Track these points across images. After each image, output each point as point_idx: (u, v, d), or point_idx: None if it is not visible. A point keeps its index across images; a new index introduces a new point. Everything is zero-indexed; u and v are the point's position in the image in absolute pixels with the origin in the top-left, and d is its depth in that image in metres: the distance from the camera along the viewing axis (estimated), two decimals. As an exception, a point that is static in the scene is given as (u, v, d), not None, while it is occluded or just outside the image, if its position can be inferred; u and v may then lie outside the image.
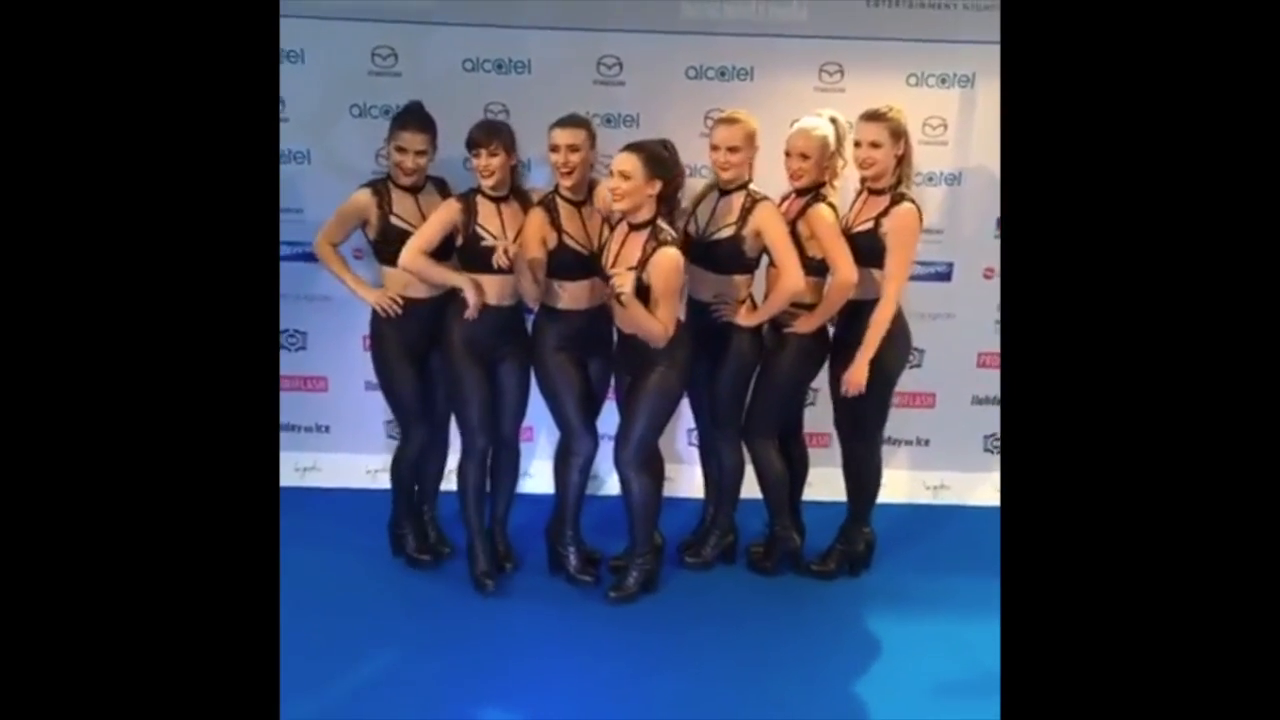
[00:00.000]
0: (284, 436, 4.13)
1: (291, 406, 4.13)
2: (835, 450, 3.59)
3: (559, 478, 3.42)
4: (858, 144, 3.17)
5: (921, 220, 3.21)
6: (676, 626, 3.28)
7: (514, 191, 3.24)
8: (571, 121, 3.14)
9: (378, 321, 3.37)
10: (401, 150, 3.22)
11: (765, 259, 3.30)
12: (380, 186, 3.29)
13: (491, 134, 3.12)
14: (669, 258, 3.02)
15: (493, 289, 3.22)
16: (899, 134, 3.14)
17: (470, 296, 3.13)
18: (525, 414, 3.46)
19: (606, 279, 3.08)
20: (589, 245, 3.20)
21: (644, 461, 3.29)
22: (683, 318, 3.23)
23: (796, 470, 3.61)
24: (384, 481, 3.62)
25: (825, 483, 3.92)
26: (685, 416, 3.90)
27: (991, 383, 4.01)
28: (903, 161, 3.19)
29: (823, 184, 3.26)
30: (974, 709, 2.74)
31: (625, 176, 3.00)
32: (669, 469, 3.70)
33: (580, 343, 3.29)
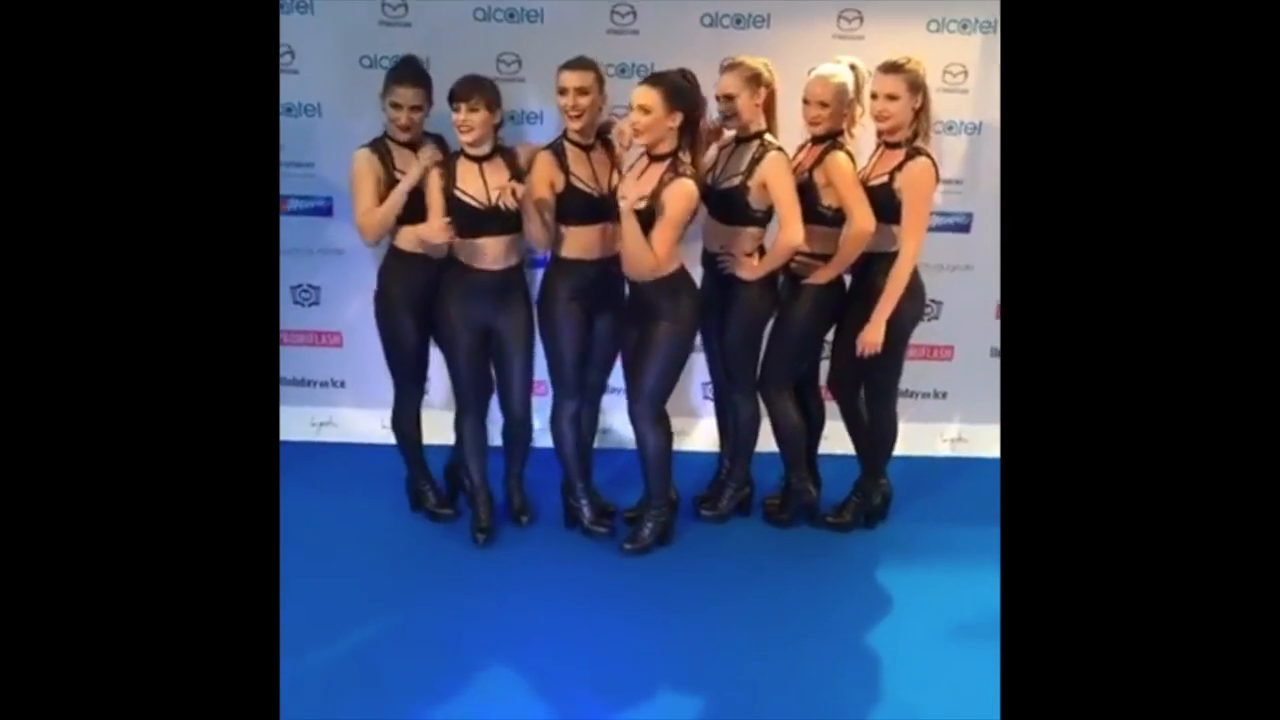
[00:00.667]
0: (299, 391, 4.15)
1: (306, 361, 4.14)
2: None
3: (555, 434, 3.41)
4: (874, 96, 3.11)
5: (938, 175, 3.16)
6: (691, 578, 3.29)
7: (498, 150, 3.18)
8: (579, 64, 3.08)
9: (383, 275, 3.36)
10: (396, 106, 3.17)
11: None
12: (379, 145, 3.23)
13: (472, 88, 3.04)
14: (683, 186, 2.99)
15: (491, 252, 3.19)
16: (917, 86, 3.08)
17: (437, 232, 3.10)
18: (532, 385, 3.45)
19: (616, 215, 3.05)
20: (598, 189, 3.16)
21: (657, 414, 3.28)
22: (688, 267, 3.22)
23: (813, 423, 3.59)
24: (399, 436, 3.62)
25: (841, 436, 3.91)
26: (700, 370, 3.89)
27: (1010, 335, 3.97)
28: (920, 115, 3.13)
29: (840, 132, 3.20)
30: (989, 659, 2.73)
31: (645, 110, 2.96)
32: (684, 423, 3.70)
33: (589, 296, 3.25)
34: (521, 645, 2.92)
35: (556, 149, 3.16)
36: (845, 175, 3.12)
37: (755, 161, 3.13)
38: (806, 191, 3.18)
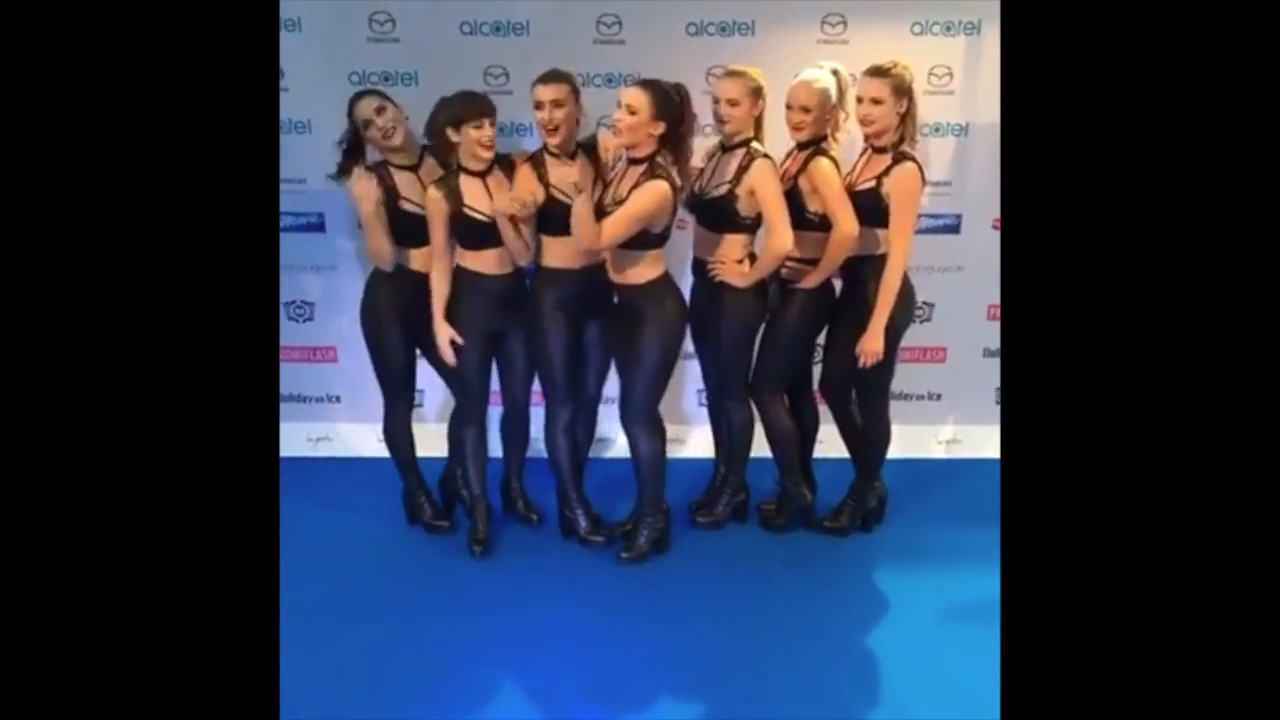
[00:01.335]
0: (295, 407, 4.17)
1: (301, 377, 4.15)
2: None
3: (549, 444, 3.43)
4: (860, 100, 3.13)
5: (924, 180, 3.16)
6: (689, 585, 3.30)
7: (498, 161, 3.21)
8: (553, 77, 3.09)
9: (371, 286, 3.38)
10: (367, 123, 3.19)
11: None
12: (377, 168, 3.24)
13: (482, 108, 3.08)
14: (654, 185, 3.01)
15: (492, 261, 3.22)
16: (902, 91, 3.09)
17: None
18: (533, 379, 3.46)
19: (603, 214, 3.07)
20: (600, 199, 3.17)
21: (648, 419, 3.29)
22: (678, 275, 3.25)
23: (806, 427, 3.60)
24: (395, 450, 3.63)
25: (835, 440, 3.92)
26: (695, 377, 3.90)
27: (1002, 335, 3.98)
28: (906, 119, 3.14)
29: (824, 137, 3.22)
30: (989, 661, 2.73)
31: (631, 111, 2.98)
32: (679, 430, 3.71)
33: (576, 303, 3.27)
34: (520, 656, 2.93)
35: (536, 160, 3.19)
36: (829, 181, 3.13)
37: (742, 169, 3.14)
38: (792, 198, 3.19)
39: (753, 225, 3.24)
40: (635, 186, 3.03)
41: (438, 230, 3.15)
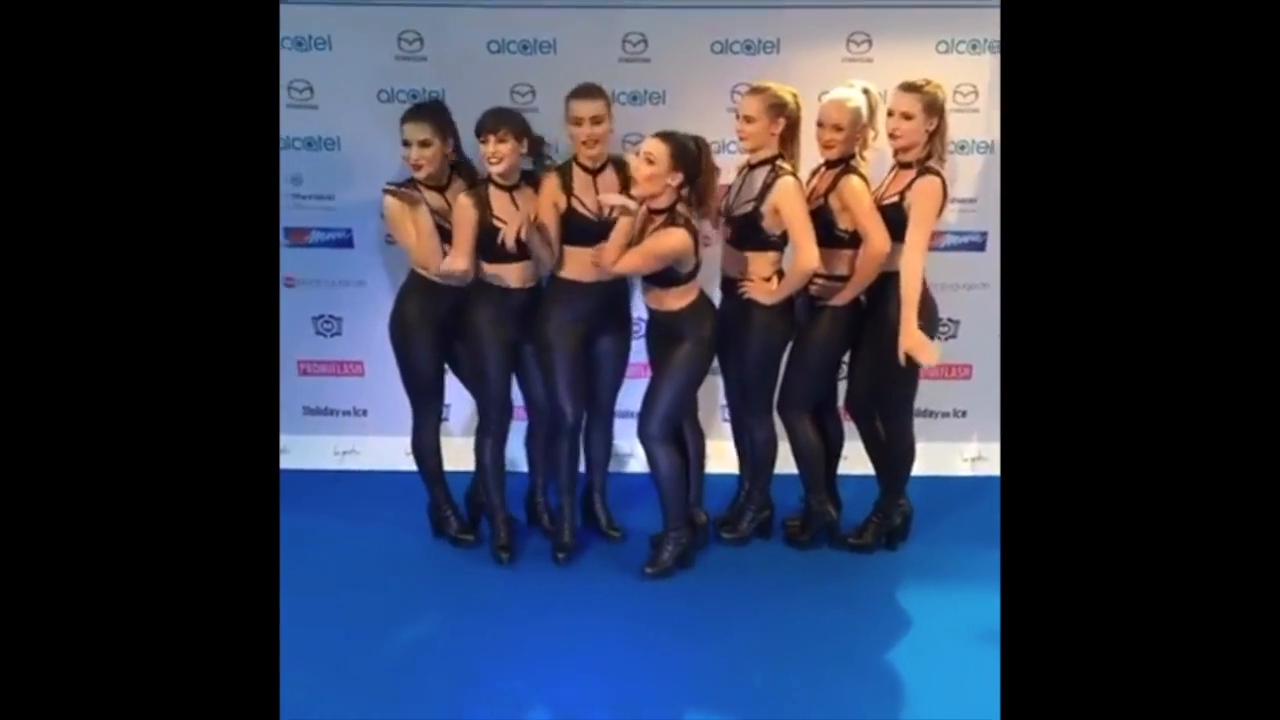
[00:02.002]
0: (322, 420, 4.21)
1: (329, 391, 4.19)
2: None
3: (550, 455, 3.49)
4: (890, 113, 3.14)
5: (946, 193, 3.16)
6: (713, 600, 3.30)
7: (526, 178, 3.24)
8: (589, 92, 3.14)
9: (401, 298, 3.41)
10: (406, 144, 3.21)
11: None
12: (408, 187, 3.25)
13: (499, 121, 3.11)
14: (673, 232, 3.06)
15: (515, 275, 3.26)
16: (934, 108, 3.10)
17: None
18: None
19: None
20: (599, 214, 3.20)
21: (669, 435, 3.31)
22: (707, 291, 3.29)
23: (832, 444, 3.60)
24: (423, 464, 3.66)
25: (860, 457, 3.91)
26: (720, 393, 3.90)
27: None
28: (935, 137, 3.14)
29: (853, 155, 3.23)
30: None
31: (650, 161, 3.03)
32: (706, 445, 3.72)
33: (587, 317, 3.31)
34: (543, 667, 2.94)
35: (564, 170, 3.22)
36: (860, 198, 3.14)
37: (767, 187, 3.15)
38: (822, 215, 3.21)
39: (780, 243, 3.25)
40: (654, 232, 3.09)
41: (464, 237, 3.17)
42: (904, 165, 3.19)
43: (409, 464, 3.67)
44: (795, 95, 3.19)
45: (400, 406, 3.58)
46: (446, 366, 3.54)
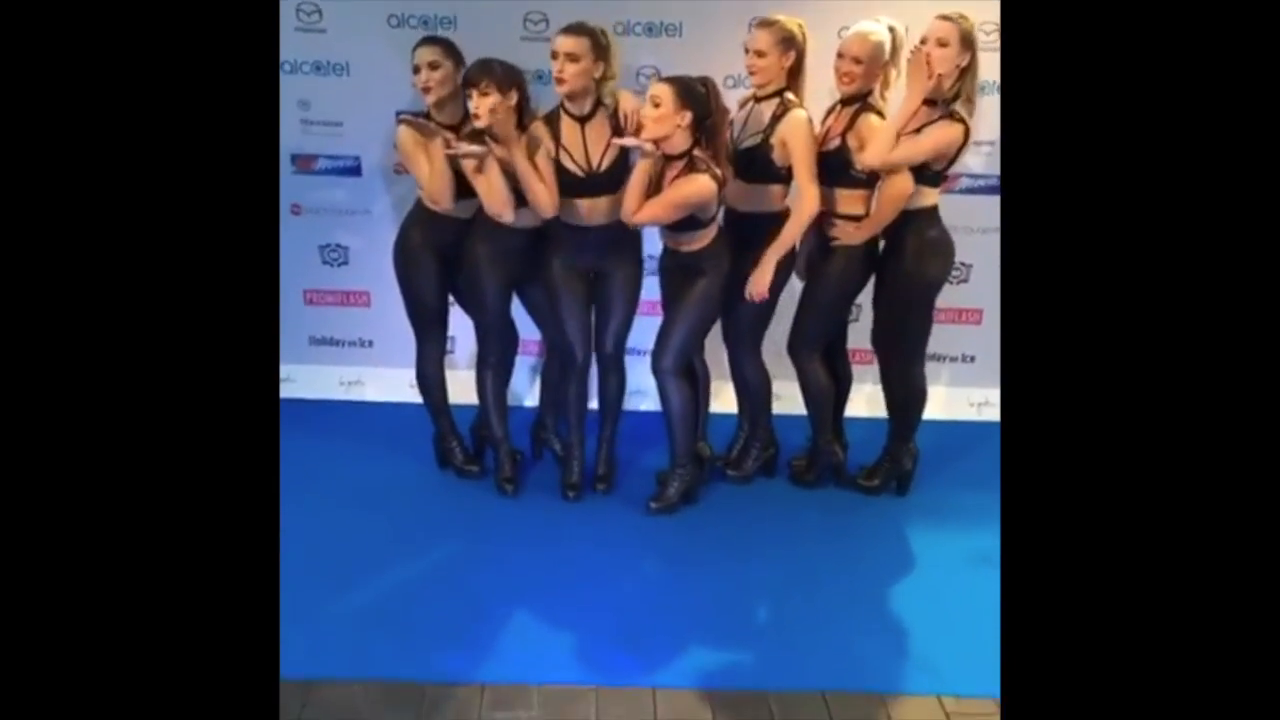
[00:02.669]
0: (328, 351, 4.20)
1: (335, 321, 4.17)
2: (877, 367, 3.56)
3: (560, 393, 3.48)
4: (924, 41, 3.04)
5: (966, 143, 3.11)
6: (717, 536, 3.31)
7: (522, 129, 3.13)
8: (573, 29, 3.04)
9: (407, 225, 3.38)
10: (416, 70, 3.15)
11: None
12: (421, 119, 3.17)
13: (482, 72, 3.01)
14: (697, 178, 2.99)
15: (523, 215, 3.21)
16: (968, 42, 3.02)
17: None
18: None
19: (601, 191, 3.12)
20: (585, 166, 3.15)
21: (681, 368, 3.29)
22: (721, 224, 3.25)
23: (841, 385, 3.59)
24: (428, 395, 3.65)
25: (866, 399, 3.91)
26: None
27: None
28: (966, 74, 3.06)
29: (870, 93, 3.17)
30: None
31: (656, 104, 2.97)
32: (724, 385, 3.71)
33: (593, 259, 3.29)
34: (548, 598, 2.96)
35: (551, 117, 3.15)
36: (880, 134, 3.08)
37: (776, 119, 3.11)
38: (840, 155, 3.16)
39: (789, 175, 3.20)
40: (674, 180, 3.03)
41: (420, 166, 3.15)
42: (929, 102, 3.10)
43: (414, 396, 3.66)
44: (802, 26, 3.12)
45: (406, 339, 3.56)
46: (451, 298, 3.52)
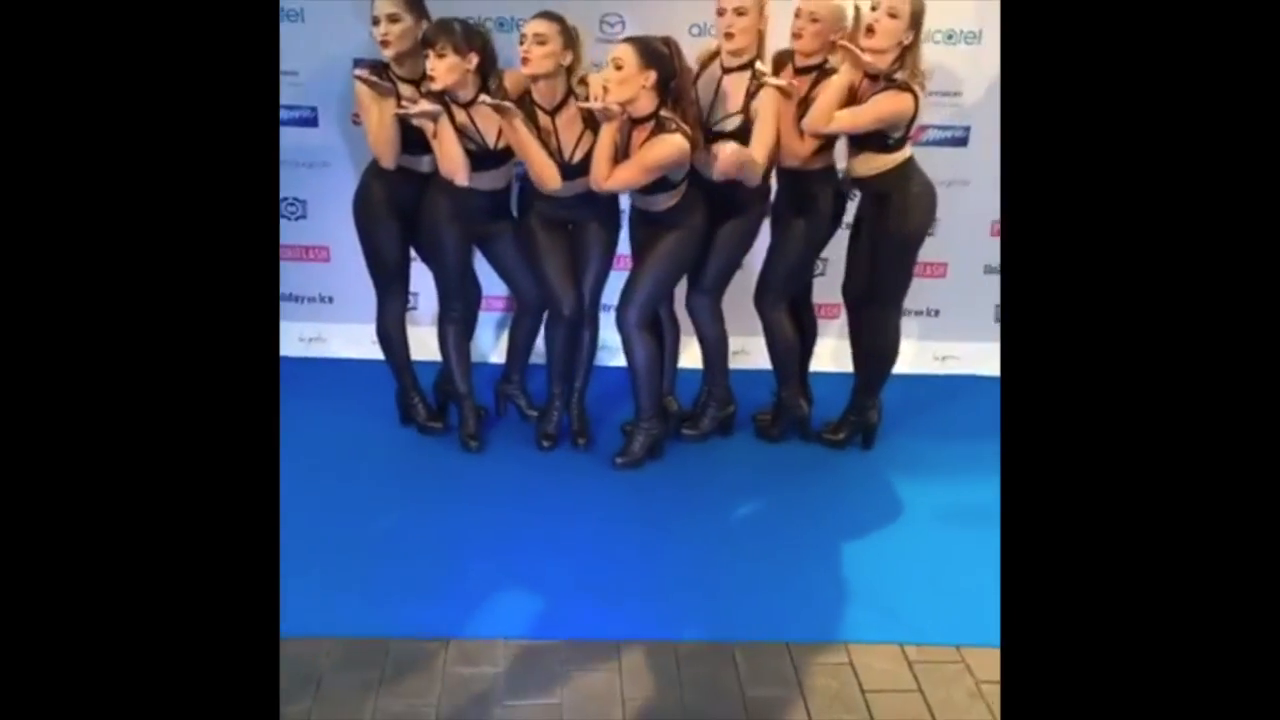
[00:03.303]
0: (287, 307, 4.11)
1: (294, 277, 4.09)
2: (842, 321, 3.56)
3: (546, 343, 3.43)
4: (874, 7, 3.00)
5: (916, 110, 3.08)
6: (683, 491, 3.31)
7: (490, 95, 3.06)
8: (544, 14, 2.99)
9: (366, 177, 3.31)
10: (375, 22, 3.06)
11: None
12: (380, 71, 3.11)
13: (440, 32, 2.95)
14: (670, 138, 2.94)
15: (485, 182, 3.18)
16: (917, 19, 3.00)
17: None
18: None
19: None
20: (558, 158, 3.11)
21: (645, 321, 3.27)
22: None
23: (806, 338, 3.58)
24: (389, 351, 3.60)
25: (830, 353, 3.91)
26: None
27: (1005, 252, 3.94)
28: (908, 52, 3.03)
29: (825, 61, 3.13)
30: (984, 573, 2.76)
31: (618, 65, 2.91)
32: (744, 341, 3.70)
33: (568, 212, 3.25)
34: (512, 553, 2.94)
35: (524, 108, 3.07)
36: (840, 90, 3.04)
37: (750, 96, 3.07)
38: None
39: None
40: (644, 143, 2.97)
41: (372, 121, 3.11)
42: (870, 77, 3.07)
43: (375, 353, 3.61)
44: None
45: (367, 294, 3.50)
46: (413, 252, 3.46)
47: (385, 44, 3.07)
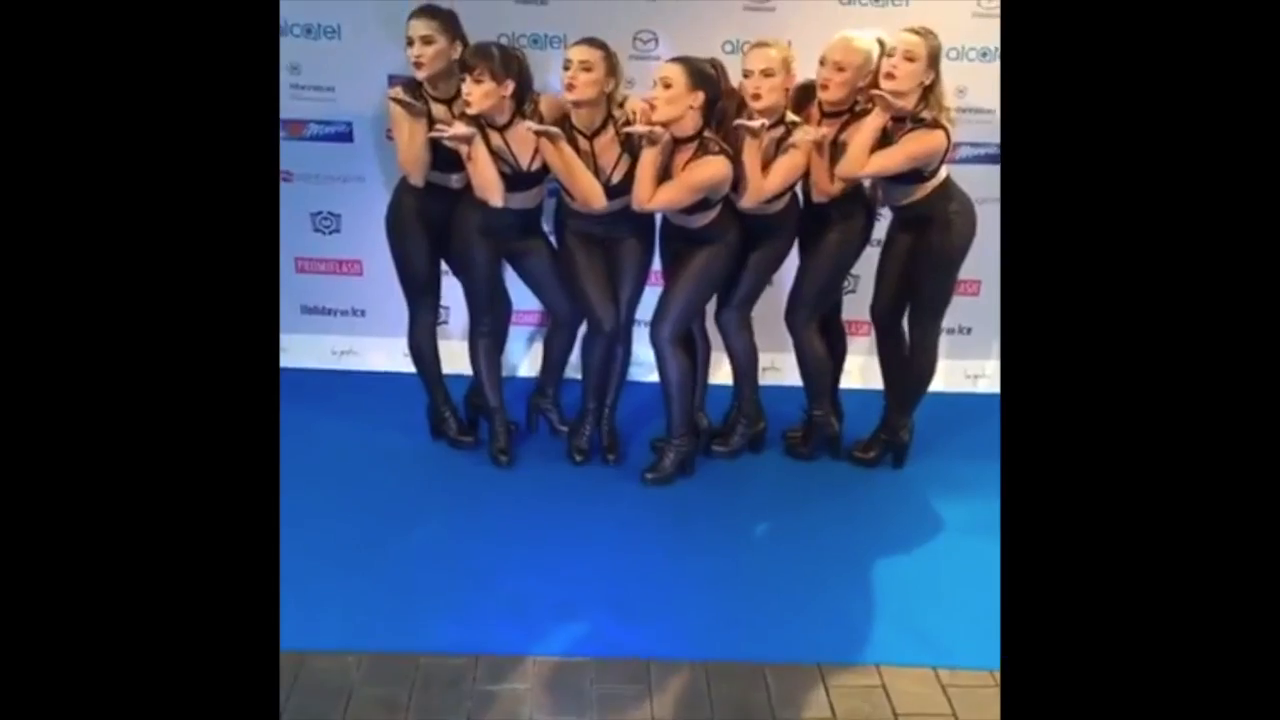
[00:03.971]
0: (320, 320, 4.16)
1: (327, 290, 4.12)
2: (873, 338, 3.53)
3: (582, 358, 3.44)
4: (890, 54, 2.98)
5: (948, 145, 3.08)
6: (713, 507, 3.30)
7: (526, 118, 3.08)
8: (588, 40, 3.00)
9: (399, 192, 3.34)
10: (410, 42, 3.08)
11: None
12: (413, 90, 3.13)
13: (478, 57, 2.96)
14: (715, 160, 2.96)
15: (515, 202, 3.19)
16: (935, 59, 2.99)
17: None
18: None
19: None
20: (599, 178, 3.12)
21: (679, 339, 3.27)
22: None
23: (836, 355, 3.57)
24: (422, 365, 3.61)
25: (860, 371, 3.89)
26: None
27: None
28: (930, 91, 3.03)
29: (855, 104, 3.11)
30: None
31: (666, 85, 2.92)
32: (774, 358, 3.70)
33: (601, 226, 3.25)
34: (542, 568, 2.94)
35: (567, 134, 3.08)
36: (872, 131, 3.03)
37: (779, 144, 3.09)
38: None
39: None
40: (689, 164, 2.98)
41: (402, 137, 3.14)
42: (896, 119, 3.04)
43: (407, 366, 3.63)
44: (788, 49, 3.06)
45: (399, 308, 3.53)
46: (445, 266, 3.48)
47: (419, 65, 3.09)
